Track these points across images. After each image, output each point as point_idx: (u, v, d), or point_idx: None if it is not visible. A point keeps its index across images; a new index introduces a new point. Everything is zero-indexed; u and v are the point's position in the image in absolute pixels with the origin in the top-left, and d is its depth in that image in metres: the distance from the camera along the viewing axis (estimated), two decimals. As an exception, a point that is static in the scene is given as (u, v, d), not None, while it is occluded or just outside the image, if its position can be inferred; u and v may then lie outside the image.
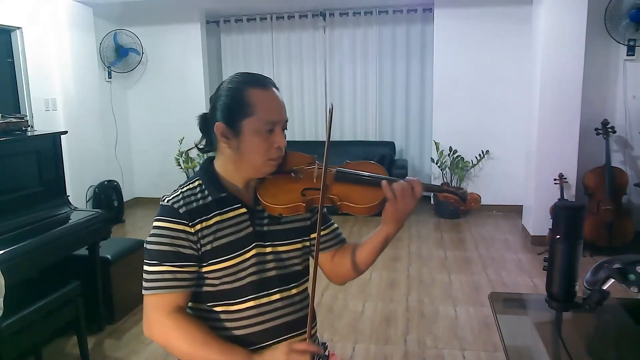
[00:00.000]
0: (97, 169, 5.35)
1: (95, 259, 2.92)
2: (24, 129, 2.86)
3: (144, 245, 1.19)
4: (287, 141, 1.22)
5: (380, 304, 3.33)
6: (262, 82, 1.19)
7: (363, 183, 1.21)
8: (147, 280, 1.16)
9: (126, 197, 5.81)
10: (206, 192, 1.21)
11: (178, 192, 1.21)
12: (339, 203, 1.18)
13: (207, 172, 1.24)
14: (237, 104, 1.16)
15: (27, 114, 4.45)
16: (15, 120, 2.85)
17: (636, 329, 1.29)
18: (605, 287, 1.25)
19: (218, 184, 1.22)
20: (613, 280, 1.25)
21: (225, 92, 1.19)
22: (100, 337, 2.94)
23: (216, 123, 1.17)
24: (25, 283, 2.47)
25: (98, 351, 2.81)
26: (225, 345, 1.15)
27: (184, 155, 5.90)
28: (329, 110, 1.18)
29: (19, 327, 2.18)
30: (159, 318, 1.15)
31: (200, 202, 1.19)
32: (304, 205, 1.18)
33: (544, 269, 1.32)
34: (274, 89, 1.20)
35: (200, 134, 1.27)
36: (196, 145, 1.29)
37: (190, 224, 1.16)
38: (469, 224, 5.14)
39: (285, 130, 1.22)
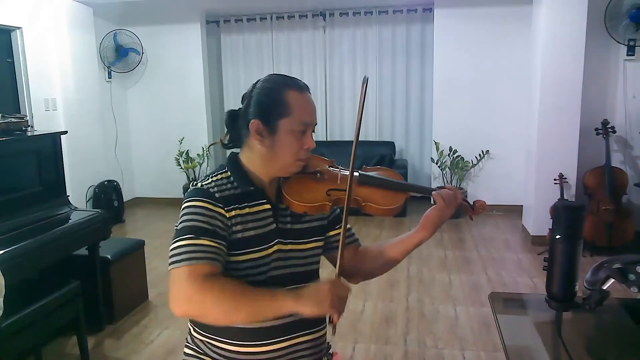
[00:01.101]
0: (97, 169, 5.36)
1: (95, 259, 2.92)
2: (24, 129, 2.87)
3: (175, 227, 1.14)
4: None
5: (380, 304, 3.34)
6: (298, 85, 1.23)
7: (384, 187, 1.28)
8: (180, 254, 1.08)
9: (126, 197, 5.81)
10: (235, 184, 1.22)
11: (210, 180, 1.22)
12: (363, 204, 1.24)
13: (236, 165, 1.26)
14: (275, 103, 1.19)
15: (27, 114, 4.45)
16: (15, 120, 2.85)
17: (636, 329, 1.29)
18: (605, 287, 1.25)
19: (246, 177, 1.24)
20: (613, 280, 1.24)
21: (262, 90, 1.21)
22: (100, 337, 2.94)
23: (252, 120, 1.19)
24: (25, 283, 2.47)
25: (98, 351, 2.81)
26: (265, 290, 1.10)
27: (184, 155, 5.90)
28: (364, 82, 1.20)
29: (19, 327, 2.18)
30: (195, 286, 1.04)
31: (232, 191, 1.21)
32: (329, 204, 1.23)
33: (544, 269, 1.32)
34: (308, 93, 1.24)
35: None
36: (221, 140, 1.31)
37: (225, 208, 1.17)
38: (469, 224, 5.14)
39: (313, 133, 1.26)
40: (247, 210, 1.20)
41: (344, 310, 1.10)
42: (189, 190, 1.21)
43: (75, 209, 2.96)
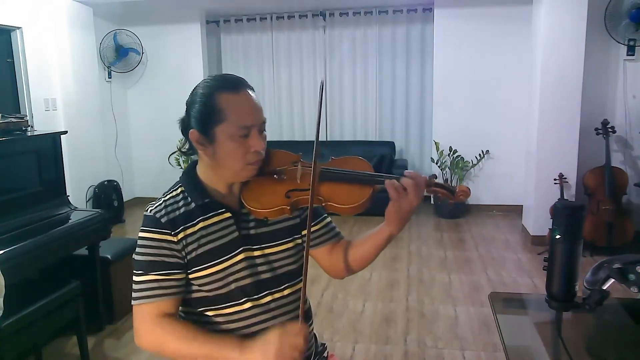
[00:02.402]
0: (97, 169, 5.35)
1: (95, 259, 2.92)
2: (24, 129, 2.86)
3: (133, 256, 1.19)
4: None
5: (380, 304, 3.33)
6: (233, 86, 1.15)
7: (348, 181, 1.16)
8: (135, 291, 1.16)
9: (126, 197, 5.81)
10: (189, 199, 1.20)
11: (161, 202, 1.20)
12: (324, 204, 1.15)
13: (190, 178, 1.23)
14: (209, 110, 1.13)
15: (27, 114, 4.45)
16: (15, 120, 2.85)
17: (636, 329, 1.29)
18: (605, 287, 1.25)
19: (201, 190, 1.21)
20: (613, 280, 1.25)
21: (197, 98, 1.16)
22: (100, 337, 2.94)
23: (190, 130, 1.16)
24: (25, 283, 2.47)
25: (98, 351, 2.81)
26: (215, 336, 1.15)
27: (183, 155, 5.89)
28: (320, 87, 1.14)
29: (19, 327, 2.18)
30: (147, 327, 1.14)
31: (183, 209, 1.18)
32: (288, 207, 1.15)
33: (544, 269, 1.32)
34: (248, 91, 1.16)
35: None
36: (180, 149, 1.28)
37: (172, 232, 1.15)
38: (469, 224, 5.14)
39: (264, 132, 1.19)
40: (200, 225, 1.17)
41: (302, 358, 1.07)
42: (143, 218, 1.21)
43: (75, 209, 2.96)
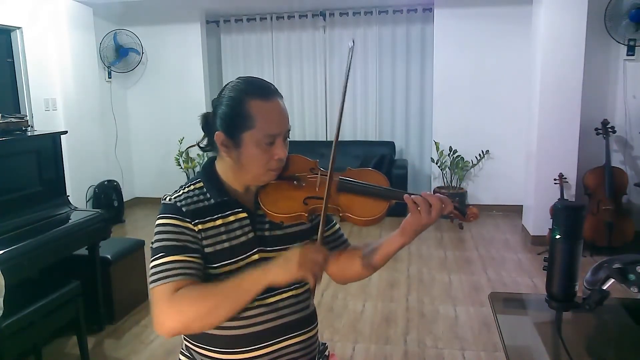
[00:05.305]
0: (97, 169, 5.36)
1: (95, 259, 2.92)
2: (24, 129, 2.87)
3: (150, 246, 1.16)
4: (288, 141, 1.21)
5: (380, 304, 3.34)
6: (264, 93, 1.15)
7: (366, 194, 1.19)
8: (155, 274, 1.09)
9: (126, 197, 5.81)
10: (208, 195, 1.20)
11: (180, 192, 1.20)
12: (341, 214, 1.17)
13: (209, 174, 1.23)
14: (238, 115, 1.13)
15: (27, 114, 4.45)
16: (15, 120, 2.85)
17: (636, 329, 1.29)
18: (605, 287, 1.25)
19: (220, 187, 1.21)
20: (613, 280, 1.24)
21: (226, 100, 1.16)
22: (100, 337, 2.94)
23: (216, 132, 1.16)
24: (25, 283, 2.47)
25: (98, 351, 2.81)
26: (235, 278, 1.10)
27: (184, 155, 5.90)
28: (350, 49, 1.11)
29: (19, 327, 2.18)
30: (167, 304, 1.05)
31: (203, 203, 1.19)
32: (306, 214, 1.16)
33: (544, 269, 1.32)
34: (278, 99, 1.16)
35: (203, 133, 1.26)
36: (198, 144, 1.27)
37: (192, 222, 1.15)
38: (469, 224, 5.13)
39: (288, 139, 1.20)
40: (219, 222, 1.17)
41: (321, 275, 1.07)
42: (160, 206, 1.19)
43: (75, 209, 2.96)
